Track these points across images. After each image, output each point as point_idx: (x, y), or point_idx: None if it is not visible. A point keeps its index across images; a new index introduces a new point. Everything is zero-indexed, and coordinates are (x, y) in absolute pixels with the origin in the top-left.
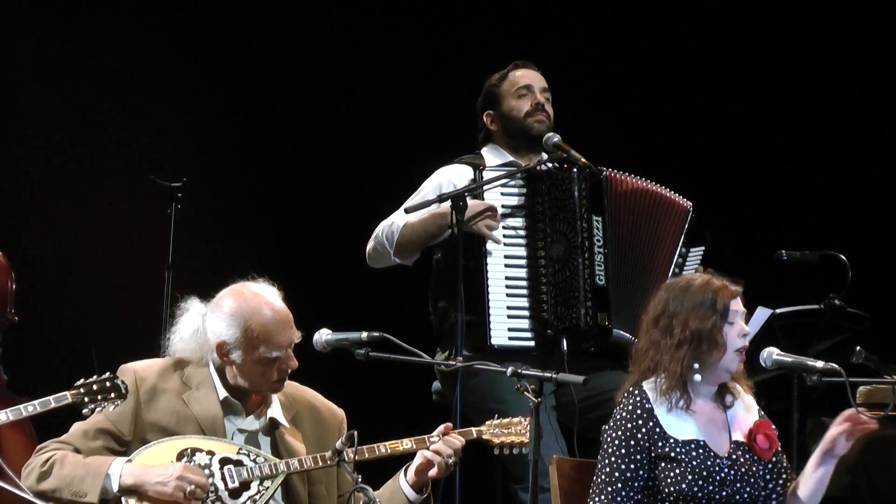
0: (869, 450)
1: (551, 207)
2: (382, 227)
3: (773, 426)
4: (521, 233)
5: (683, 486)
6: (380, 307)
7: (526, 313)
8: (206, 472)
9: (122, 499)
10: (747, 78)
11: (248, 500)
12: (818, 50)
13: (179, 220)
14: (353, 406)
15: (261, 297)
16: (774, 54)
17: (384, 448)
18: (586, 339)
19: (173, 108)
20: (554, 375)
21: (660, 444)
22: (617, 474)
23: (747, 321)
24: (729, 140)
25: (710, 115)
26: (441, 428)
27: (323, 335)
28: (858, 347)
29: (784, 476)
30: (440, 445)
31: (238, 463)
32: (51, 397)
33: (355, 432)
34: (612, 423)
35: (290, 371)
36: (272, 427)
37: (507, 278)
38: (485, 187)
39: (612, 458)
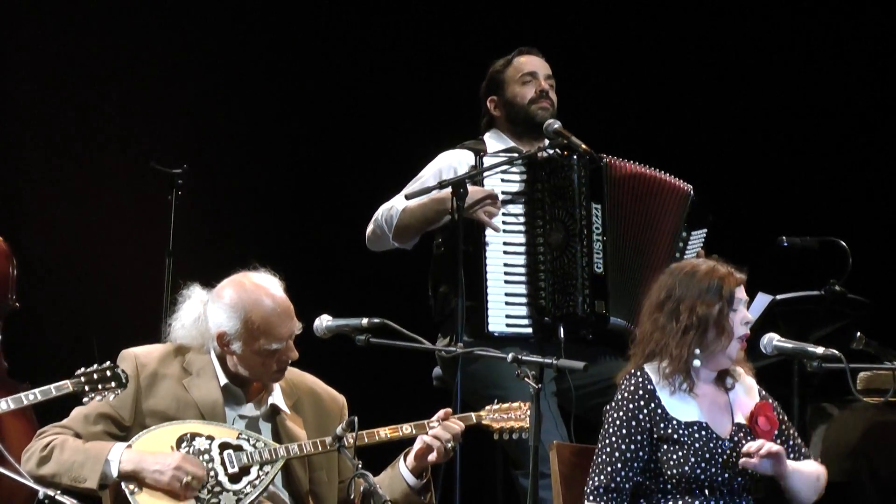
0: (869, 435)
1: (551, 194)
2: (382, 211)
3: (775, 407)
4: (521, 220)
5: (686, 468)
6: (380, 293)
7: (524, 300)
8: (206, 456)
9: (122, 484)
10: (748, 64)
11: (248, 485)
12: (818, 35)
13: (180, 207)
14: (354, 392)
15: (262, 288)
16: (775, 39)
17: (384, 433)
18: (583, 327)
19: (174, 94)
20: (554, 361)
21: (661, 425)
22: (617, 454)
23: (748, 308)
24: (730, 126)
25: (712, 100)
26: (441, 413)
27: (323, 321)
28: (859, 333)
29: (795, 453)
30: (439, 430)
31: (238, 448)
32: (51, 386)
33: (356, 418)
34: (613, 404)
35: (290, 362)
36: (273, 413)
37: (505, 265)
38: (485, 174)
39: (613, 439)
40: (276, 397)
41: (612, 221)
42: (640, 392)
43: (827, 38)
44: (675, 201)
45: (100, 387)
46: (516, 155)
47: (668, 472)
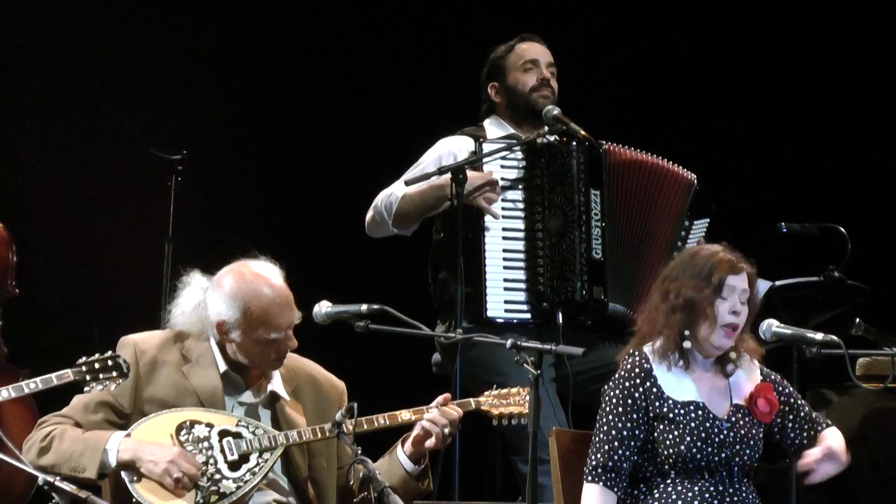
0: (868, 421)
1: (550, 181)
2: (381, 198)
3: (778, 386)
4: (520, 206)
5: (682, 447)
6: (379, 280)
7: (522, 286)
8: (205, 444)
9: (122, 473)
10: (748, 50)
11: (248, 473)
12: (818, 22)
13: (180, 193)
14: (353, 378)
15: (261, 277)
16: (775, 27)
17: (383, 419)
18: (582, 313)
19: (174, 81)
20: (553, 347)
21: (657, 404)
22: (614, 432)
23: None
24: (729, 112)
25: (711, 87)
26: (440, 399)
27: (323, 308)
28: (858, 319)
29: (807, 426)
30: (437, 416)
31: (237, 435)
32: (52, 375)
33: (355, 404)
34: (610, 383)
35: (289, 350)
36: (273, 400)
37: (504, 251)
38: (484, 160)
39: (610, 417)
40: (276, 384)
41: (611, 208)
42: (637, 371)
43: (825, 24)
44: (677, 189)
45: (101, 376)
46: (515, 141)
47: (665, 453)
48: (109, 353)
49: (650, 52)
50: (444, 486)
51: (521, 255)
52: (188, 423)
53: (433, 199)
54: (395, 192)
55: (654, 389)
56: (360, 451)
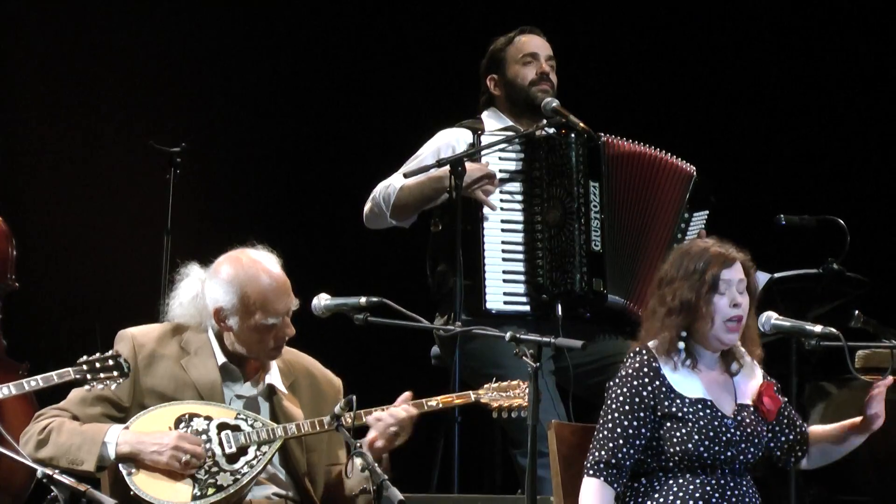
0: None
1: (548, 172)
2: (380, 189)
3: (777, 387)
4: (518, 198)
5: (689, 445)
6: (379, 272)
7: (522, 278)
8: (204, 437)
9: (119, 466)
10: (746, 43)
11: (246, 465)
12: (817, 15)
13: (178, 186)
14: (353, 371)
15: (259, 264)
16: (774, 20)
17: (381, 412)
18: (581, 305)
19: (172, 73)
20: (552, 340)
21: (666, 402)
22: (619, 430)
23: (753, 292)
24: (728, 104)
25: (710, 80)
26: (402, 396)
27: (322, 300)
28: (857, 311)
29: (799, 423)
30: (384, 415)
31: (236, 428)
32: (53, 373)
33: (354, 397)
34: (616, 380)
35: (287, 339)
36: (270, 393)
37: (503, 242)
38: (483, 152)
39: (616, 414)
40: (274, 377)
41: (611, 200)
42: (645, 369)
43: (823, 16)
44: (676, 181)
45: (101, 375)
46: (514, 134)
47: (671, 450)
48: (111, 352)
49: (649, 45)
50: (444, 480)
51: (520, 248)
52: (187, 416)
53: (432, 190)
54: (394, 183)
55: (664, 388)
56: (358, 445)
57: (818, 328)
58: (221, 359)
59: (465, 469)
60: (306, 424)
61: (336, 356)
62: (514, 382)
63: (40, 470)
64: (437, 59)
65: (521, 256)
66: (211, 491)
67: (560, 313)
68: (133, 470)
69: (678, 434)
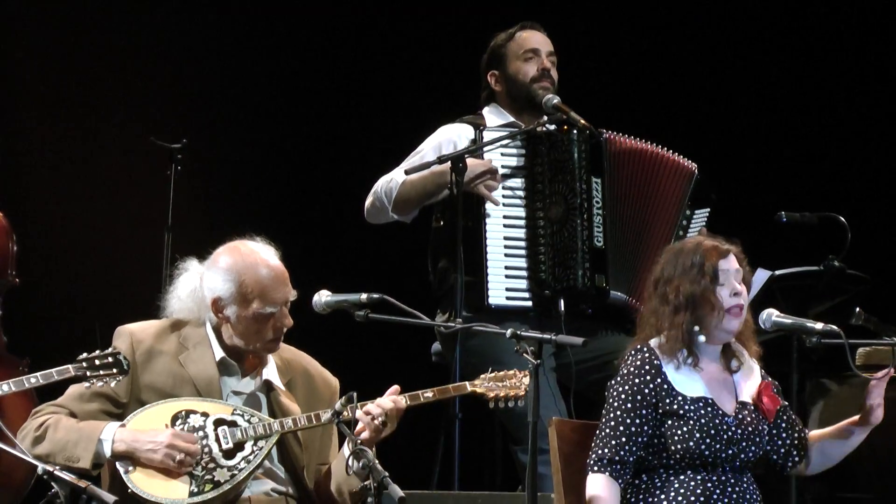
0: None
1: (551, 168)
2: (381, 183)
3: (776, 387)
4: (520, 194)
5: (691, 443)
6: (380, 269)
7: (524, 273)
8: (201, 433)
9: (117, 464)
10: (747, 39)
11: (242, 461)
12: (818, 11)
13: (179, 182)
14: (353, 368)
15: (256, 253)
16: (775, 17)
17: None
18: (583, 300)
19: (173, 69)
20: (553, 337)
21: (667, 400)
22: (622, 428)
23: (748, 283)
24: (729, 102)
25: (711, 76)
26: (390, 389)
27: (322, 297)
28: (858, 309)
29: (798, 428)
30: (370, 406)
31: (232, 424)
32: (53, 370)
33: (354, 394)
34: (618, 379)
35: (285, 329)
36: (268, 389)
37: (505, 238)
38: (485, 148)
39: (618, 413)
40: (271, 373)
41: (613, 196)
42: (647, 367)
43: (824, 13)
44: (678, 178)
45: (101, 372)
46: (516, 130)
47: (672, 448)
48: (110, 349)
49: (649, 43)
50: (444, 476)
51: (523, 243)
52: (184, 412)
53: (434, 185)
54: (396, 177)
55: (665, 386)
56: (359, 441)
57: (819, 325)
58: (220, 353)
59: (466, 466)
60: (303, 419)
61: (337, 353)
62: (511, 372)
63: (41, 466)
64: (437, 54)
65: (523, 252)
66: (208, 487)
67: (562, 309)
68: (130, 467)
69: (679, 432)
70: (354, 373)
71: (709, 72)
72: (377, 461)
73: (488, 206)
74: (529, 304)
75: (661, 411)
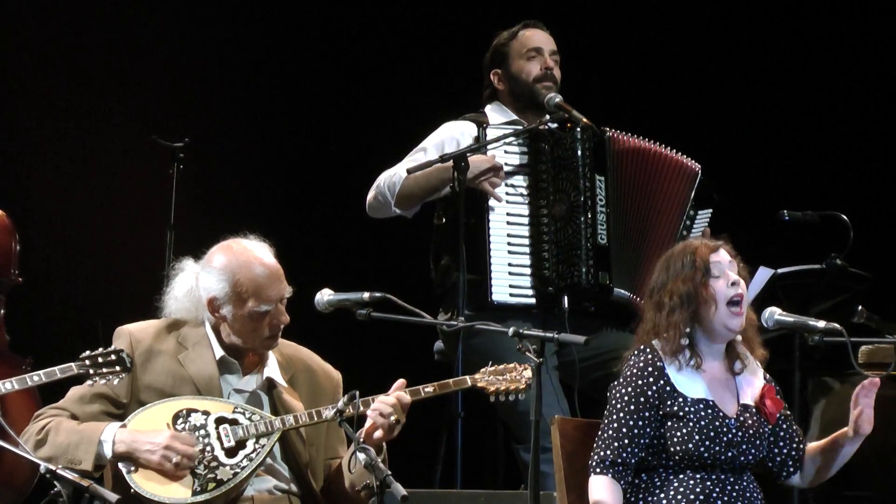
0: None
1: (554, 166)
2: (384, 178)
3: (777, 390)
4: (523, 191)
5: (690, 445)
6: (382, 267)
7: (527, 271)
8: (202, 431)
9: (119, 464)
10: (749, 39)
11: (245, 459)
12: (820, 10)
13: (182, 181)
14: (355, 366)
15: (250, 251)
16: (777, 16)
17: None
18: (587, 298)
19: (176, 68)
20: (556, 336)
21: (668, 402)
22: (625, 430)
23: (749, 281)
24: (731, 100)
25: (713, 76)
26: (396, 383)
27: (325, 296)
28: (860, 307)
29: (797, 440)
30: (379, 405)
31: (234, 422)
32: (56, 368)
33: (357, 392)
34: (621, 380)
35: (282, 326)
36: (269, 387)
37: (508, 235)
38: (488, 146)
39: (621, 414)
40: (273, 370)
41: (617, 194)
42: (650, 369)
43: (826, 12)
44: (682, 178)
45: (104, 370)
46: (520, 128)
47: (673, 449)
48: (113, 347)
49: (651, 41)
50: (447, 474)
51: (526, 241)
52: (185, 411)
53: (438, 180)
54: (399, 172)
55: (668, 388)
56: (361, 440)
57: (821, 324)
58: (219, 352)
59: (468, 464)
60: (304, 416)
61: (339, 352)
62: (511, 365)
63: (43, 466)
64: (439, 53)
65: (526, 250)
66: (211, 486)
67: (566, 306)
68: (132, 467)
69: (679, 434)
70: (357, 372)
71: (710, 70)
72: (379, 459)
73: (492, 202)
74: (533, 301)
75: (661, 413)
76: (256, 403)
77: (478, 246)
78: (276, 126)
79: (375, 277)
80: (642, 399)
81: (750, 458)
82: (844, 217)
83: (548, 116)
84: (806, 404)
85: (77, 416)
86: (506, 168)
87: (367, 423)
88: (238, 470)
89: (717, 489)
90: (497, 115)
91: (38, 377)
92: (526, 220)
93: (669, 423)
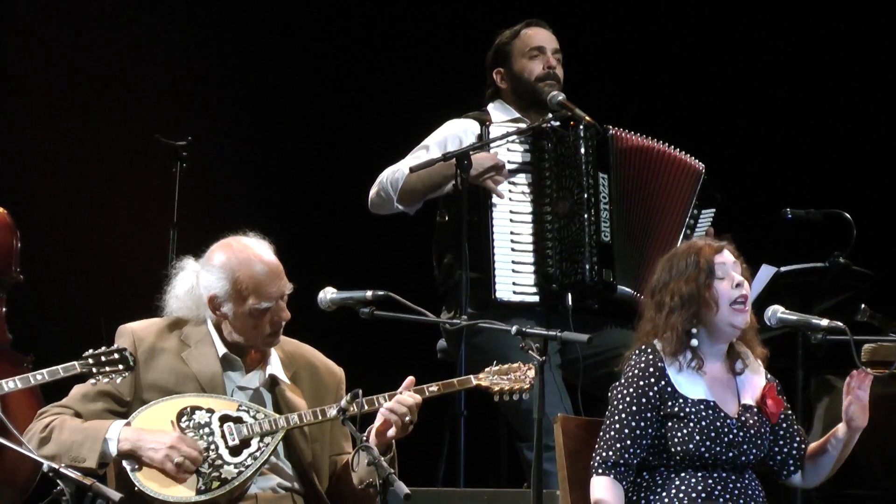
0: (874, 407)
1: (557, 164)
2: (387, 174)
3: (779, 389)
4: (527, 189)
5: (691, 446)
6: (384, 265)
7: (531, 268)
8: (206, 430)
9: (123, 462)
10: (752, 38)
11: (249, 457)
12: (822, 8)
13: (184, 179)
14: (358, 365)
15: (249, 249)
16: (779, 14)
17: (384, 399)
18: (591, 295)
19: (178, 67)
20: (559, 334)
21: (670, 402)
22: (626, 431)
23: (751, 280)
24: (734, 99)
25: (716, 74)
26: (405, 382)
27: (328, 294)
28: (863, 305)
29: (798, 439)
30: (393, 404)
31: (238, 420)
32: (59, 367)
33: (360, 391)
34: (623, 381)
35: (283, 323)
36: (272, 384)
37: (512, 233)
38: (491, 145)
39: (623, 415)
40: (275, 367)
41: (620, 191)
42: (651, 370)
43: (829, 10)
44: (685, 177)
45: (107, 368)
46: (523, 126)
47: (674, 449)
48: (116, 345)
49: (654, 40)
50: (450, 473)
51: (530, 238)
52: (189, 409)
53: (440, 177)
54: (402, 168)
55: (669, 388)
56: (364, 439)
57: (824, 322)
58: (222, 350)
59: (471, 463)
60: (308, 414)
61: (342, 350)
62: (515, 365)
63: (46, 464)
64: (441, 51)
65: (530, 247)
66: (215, 484)
67: (570, 304)
68: (136, 465)
69: (679, 434)
70: (360, 370)
71: (713, 69)
72: (382, 458)
73: (495, 200)
74: (536, 298)
75: (662, 413)
76: (259, 400)
77: (481, 244)
78: (279, 124)
79: (378, 276)
80: (644, 400)
81: (751, 457)
82: (847, 215)
83: (550, 115)
84: (809, 403)
85: (81, 415)
86: (508, 166)
87: (379, 421)
88: (242, 468)
89: (720, 487)
90: (500, 113)
91: (41, 376)
92: (529, 218)
93: (670, 424)
